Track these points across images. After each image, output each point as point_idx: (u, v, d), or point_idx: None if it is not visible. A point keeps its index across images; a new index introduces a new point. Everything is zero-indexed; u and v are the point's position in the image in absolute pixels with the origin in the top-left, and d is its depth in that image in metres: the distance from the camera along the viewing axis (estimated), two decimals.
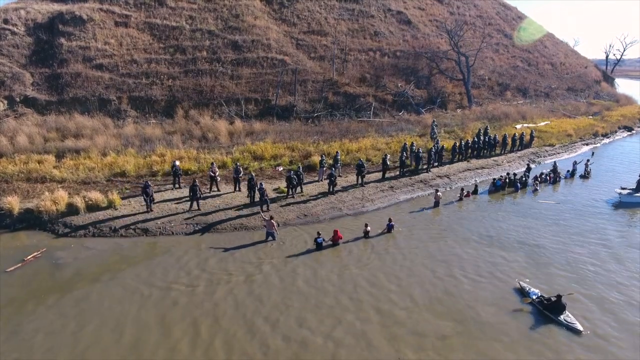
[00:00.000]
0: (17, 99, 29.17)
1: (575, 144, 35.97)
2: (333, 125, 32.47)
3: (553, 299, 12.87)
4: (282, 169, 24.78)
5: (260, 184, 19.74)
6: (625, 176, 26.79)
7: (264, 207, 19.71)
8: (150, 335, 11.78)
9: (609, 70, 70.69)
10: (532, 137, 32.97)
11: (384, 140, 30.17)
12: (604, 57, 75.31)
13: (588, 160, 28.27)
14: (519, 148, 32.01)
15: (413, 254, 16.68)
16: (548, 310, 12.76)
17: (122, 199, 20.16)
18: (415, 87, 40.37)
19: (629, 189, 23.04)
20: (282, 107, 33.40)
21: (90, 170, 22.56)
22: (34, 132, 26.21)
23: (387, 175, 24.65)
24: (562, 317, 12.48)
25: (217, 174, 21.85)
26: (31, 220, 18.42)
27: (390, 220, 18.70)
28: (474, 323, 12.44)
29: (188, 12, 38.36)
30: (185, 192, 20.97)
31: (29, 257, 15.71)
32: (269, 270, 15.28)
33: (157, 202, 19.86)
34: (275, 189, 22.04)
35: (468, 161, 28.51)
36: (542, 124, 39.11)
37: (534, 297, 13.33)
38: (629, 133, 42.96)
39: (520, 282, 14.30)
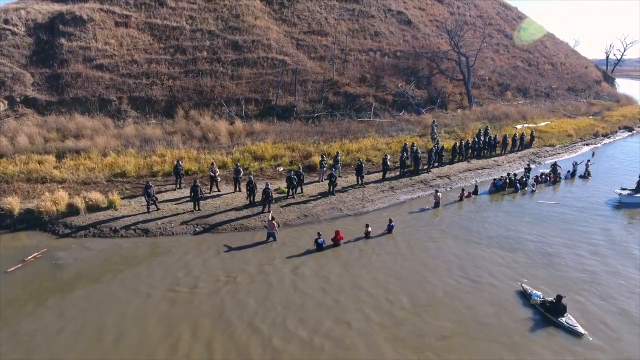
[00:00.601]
0: (18, 99, 29.18)
1: (576, 144, 35.96)
2: (333, 126, 32.49)
3: (553, 300, 12.84)
4: (282, 169, 24.79)
5: (267, 184, 19.75)
6: (625, 176, 26.78)
7: (266, 208, 19.70)
8: (151, 335, 11.78)
9: (610, 70, 70.66)
10: (532, 138, 32.97)
11: (384, 141, 30.18)
12: (604, 57, 75.32)
13: (588, 161, 28.27)
14: (520, 148, 32.00)
15: (413, 254, 16.69)
16: (548, 312, 12.74)
17: (122, 199, 20.18)
18: (416, 87, 40.37)
19: (629, 190, 23.03)
20: (282, 107, 33.41)
21: (90, 170, 22.57)
22: (34, 132, 26.22)
23: (387, 175, 24.65)
24: (563, 320, 12.42)
25: (217, 174, 21.87)
26: (31, 220, 18.44)
27: (390, 220, 18.70)
28: (474, 324, 12.44)
29: (188, 12, 38.36)
30: (185, 192, 20.99)
31: (29, 257, 15.72)
32: (270, 270, 15.28)
33: (157, 203, 19.84)
34: (275, 189, 22.04)
35: (468, 161, 28.51)
36: (543, 124, 39.11)
37: (536, 299, 13.29)
38: (630, 133, 42.93)
39: (523, 285, 14.25)
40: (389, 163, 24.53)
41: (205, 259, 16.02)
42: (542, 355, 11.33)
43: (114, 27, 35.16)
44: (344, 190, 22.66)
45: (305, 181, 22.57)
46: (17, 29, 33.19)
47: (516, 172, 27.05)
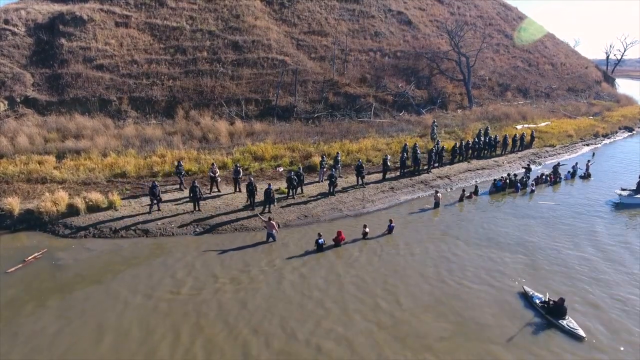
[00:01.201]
0: (18, 100, 29.19)
1: (576, 145, 35.95)
2: (333, 126, 32.48)
3: (555, 300, 12.81)
4: (282, 169, 24.78)
5: (269, 185, 19.73)
6: (625, 177, 26.77)
7: (267, 209, 19.68)
8: (151, 336, 11.78)
9: (610, 70, 70.62)
10: (532, 138, 32.95)
11: (385, 141, 30.18)
12: (604, 58, 75.28)
13: (589, 161, 28.26)
14: (520, 149, 31.98)
15: (413, 255, 16.68)
16: (549, 314, 12.70)
17: (123, 199, 20.17)
18: (416, 88, 40.37)
19: (629, 190, 23.01)
20: (282, 107, 33.40)
21: (90, 171, 22.56)
22: (35, 132, 26.23)
23: (387, 176, 24.64)
24: (564, 323, 12.36)
25: (217, 174, 21.86)
26: (32, 221, 18.43)
27: (390, 221, 18.69)
28: (474, 325, 12.43)
29: (188, 12, 38.38)
30: (185, 193, 20.99)
31: (29, 257, 15.71)
32: (270, 271, 15.27)
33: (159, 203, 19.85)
34: (275, 190, 22.01)
35: (468, 162, 28.50)
36: (543, 124, 39.09)
37: (538, 301, 13.24)
38: (630, 133, 42.91)
39: (524, 287, 14.17)
40: (389, 163, 24.53)
41: (205, 259, 16.01)
42: (542, 356, 11.31)
43: (114, 27, 35.18)
44: (344, 190, 22.65)
45: (305, 181, 22.55)
46: (17, 29, 33.20)
47: (516, 172, 27.05)
